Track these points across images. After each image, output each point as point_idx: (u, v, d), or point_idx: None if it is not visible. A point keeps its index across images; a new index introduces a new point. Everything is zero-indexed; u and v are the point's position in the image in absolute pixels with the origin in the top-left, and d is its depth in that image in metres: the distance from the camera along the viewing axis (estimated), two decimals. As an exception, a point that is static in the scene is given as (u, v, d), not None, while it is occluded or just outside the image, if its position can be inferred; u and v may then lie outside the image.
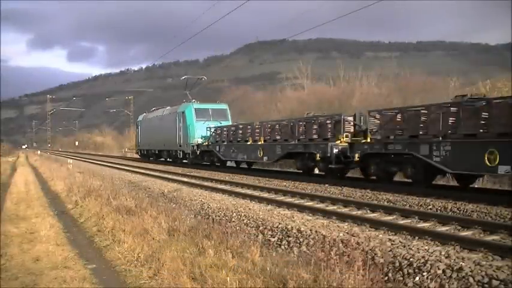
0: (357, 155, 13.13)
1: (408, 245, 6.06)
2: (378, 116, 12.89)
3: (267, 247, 6.64)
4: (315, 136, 15.42)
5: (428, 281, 4.93)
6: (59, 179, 17.88)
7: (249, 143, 19.38)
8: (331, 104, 32.16)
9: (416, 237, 6.63)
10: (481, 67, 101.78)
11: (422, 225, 7.67)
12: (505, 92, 23.36)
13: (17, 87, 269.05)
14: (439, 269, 5.06)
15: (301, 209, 9.52)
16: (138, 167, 25.65)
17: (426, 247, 5.94)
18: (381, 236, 6.73)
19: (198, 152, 24.59)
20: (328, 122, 14.99)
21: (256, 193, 12.52)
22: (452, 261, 5.22)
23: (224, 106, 27.47)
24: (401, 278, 5.16)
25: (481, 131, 9.84)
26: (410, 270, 5.23)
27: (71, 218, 10.19)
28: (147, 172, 21.89)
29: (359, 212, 9.06)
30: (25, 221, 9.34)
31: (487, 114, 9.78)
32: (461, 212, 8.84)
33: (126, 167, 26.63)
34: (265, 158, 18.42)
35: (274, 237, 7.41)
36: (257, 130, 19.16)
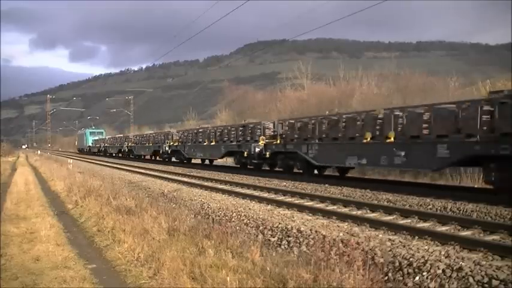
0: (268, 153, 17.81)
1: (408, 245, 6.06)
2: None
3: (267, 247, 6.64)
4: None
5: (428, 281, 4.93)
6: (59, 179, 17.89)
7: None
8: (331, 104, 32.12)
9: (416, 237, 6.63)
10: (481, 67, 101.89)
11: (422, 225, 7.67)
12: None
13: (18, 87, 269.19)
14: (439, 268, 5.06)
15: (301, 208, 9.52)
16: (138, 167, 25.66)
17: (426, 247, 5.94)
18: (380, 235, 6.73)
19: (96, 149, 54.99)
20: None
21: (256, 193, 12.52)
22: (452, 261, 5.22)
23: (102, 130, 66.18)
24: (401, 278, 5.16)
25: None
26: (410, 270, 5.23)
27: (71, 218, 10.19)
28: (147, 172, 21.89)
29: (359, 212, 9.05)
30: (25, 221, 9.34)
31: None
32: (461, 211, 8.83)
33: (126, 167, 26.63)
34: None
35: (274, 237, 7.40)
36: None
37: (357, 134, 13.21)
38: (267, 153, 17.89)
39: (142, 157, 38.03)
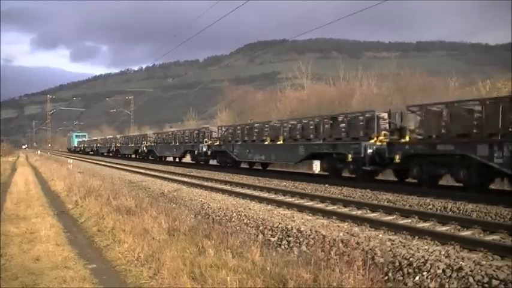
0: (397, 156, 12.03)
1: (408, 245, 6.06)
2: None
3: (267, 247, 6.63)
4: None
5: (428, 281, 4.93)
6: (59, 179, 17.88)
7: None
8: (331, 104, 32.10)
9: (416, 237, 6.64)
10: (481, 67, 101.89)
11: (422, 225, 7.67)
12: (505, 92, 23.36)
13: (19, 87, 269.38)
14: (439, 268, 5.06)
15: (301, 208, 9.52)
16: (138, 167, 25.66)
17: (426, 247, 5.95)
18: (380, 235, 6.73)
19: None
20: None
21: (256, 193, 12.52)
22: (452, 260, 5.22)
23: (85, 134, 78.40)
24: (401, 278, 5.16)
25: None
26: (410, 270, 5.23)
27: (71, 218, 10.18)
28: (147, 172, 21.89)
29: (359, 212, 9.06)
30: (25, 221, 9.33)
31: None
32: (461, 211, 8.84)
33: (126, 167, 26.64)
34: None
35: (274, 237, 7.41)
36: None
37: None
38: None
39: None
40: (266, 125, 19.42)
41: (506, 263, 5.20)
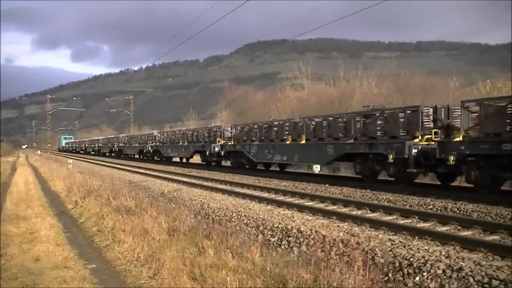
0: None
1: (408, 245, 6.06)
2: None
3: (267, 247, 6.63)
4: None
5: (429, 281, 4.92)
6: (58, 179, 17.87)
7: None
8: (331, 104, 32.12)
9: (417, 237, 6.63)
10: (481, 67, 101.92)
11: (423, 225, 7.66)
12: (505, 92, 23.36)
13: (19, 88, 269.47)
14: (439, 269, 5.06)
15: (301, 209, 9.51)
16: (138, 167, 25.65)
17: (426, 247, 5.94)
18: (381, 236, 6.73)
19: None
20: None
21: (256, 193, 12.51)
22: (452, 261, 5.22)
23: (71, 136, 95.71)
24: (402, 278, 5.15)
25: None
26: (410, 270, 5.22)
27: (71, 218, 10.18)
28: (147, 172, 21.88)
29: (359, 212, 9.05)
30: (25, 221, 9.33)
31: None
32: (461, 212, 8.83)
33: (126, 167, 26.63)
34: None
35: (274, 237, 7.40)
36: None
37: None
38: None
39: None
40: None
41: (506, 263, 5.20)
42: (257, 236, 7.55)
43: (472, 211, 8.74)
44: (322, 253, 5.55)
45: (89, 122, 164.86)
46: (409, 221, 8.00)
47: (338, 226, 7.64)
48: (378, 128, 13.06)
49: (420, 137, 11.81)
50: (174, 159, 32.45)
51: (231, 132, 22.29)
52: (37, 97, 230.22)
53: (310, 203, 10.34)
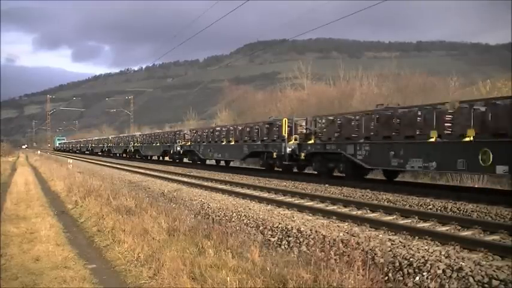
0: (302, 154, 15.75)
1: (408, 245, 6.06)
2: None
3: (267, 247, 6.63)
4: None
5: (429, 281, 4.92)
6: (58, 179, 17.87)
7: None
8: (331, 104, 32.12)
9: (416, 237, 6.63)
10: (481, 67, 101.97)
11: (422, 225, 7.66)
12: (505, 92, 23.36)
13: (19, 88, 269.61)
14: (439, 269, 5.06)
15: (301, 208, 9.51)
16: (138, 167, 25.66)
17: (426, 247, 5.94)
18: (380, 236, 6.73)
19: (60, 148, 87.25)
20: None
21: (256, 193, 12.51)
22: (452, 261, 5.22)
23: (64, 137, 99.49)
24: (402, 278, 5.15)
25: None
26: (410, 270, 5.22)
27: (71, 218, 10.18)
28: (147, 172, 21.89)
29: (359, 212, 9.05)
30: (25, 221, 9.33)
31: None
32: (461, 212, 8.83)
33: (126, 167, 26.63)
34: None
35: (274, 237, 7.40)
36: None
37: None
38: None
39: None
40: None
41: (506, 263, 5.20)
42: (257, 236, 7.55)
43: (472, 211, 8.73)
44: (322, 253, 5.56)
45: (89, 122, 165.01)
46: (409, 221, 8.00)
47: (338, 226, 7.64)
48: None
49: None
50: (172, 160, 32.69)
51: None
52: (37, 97, 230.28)
53: (310, 203, 10.34)
